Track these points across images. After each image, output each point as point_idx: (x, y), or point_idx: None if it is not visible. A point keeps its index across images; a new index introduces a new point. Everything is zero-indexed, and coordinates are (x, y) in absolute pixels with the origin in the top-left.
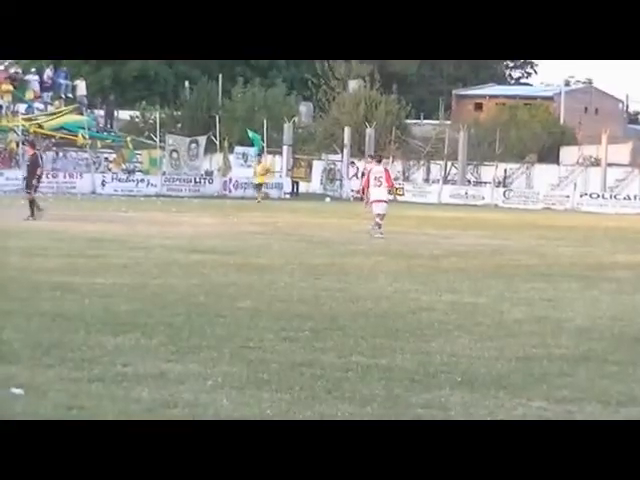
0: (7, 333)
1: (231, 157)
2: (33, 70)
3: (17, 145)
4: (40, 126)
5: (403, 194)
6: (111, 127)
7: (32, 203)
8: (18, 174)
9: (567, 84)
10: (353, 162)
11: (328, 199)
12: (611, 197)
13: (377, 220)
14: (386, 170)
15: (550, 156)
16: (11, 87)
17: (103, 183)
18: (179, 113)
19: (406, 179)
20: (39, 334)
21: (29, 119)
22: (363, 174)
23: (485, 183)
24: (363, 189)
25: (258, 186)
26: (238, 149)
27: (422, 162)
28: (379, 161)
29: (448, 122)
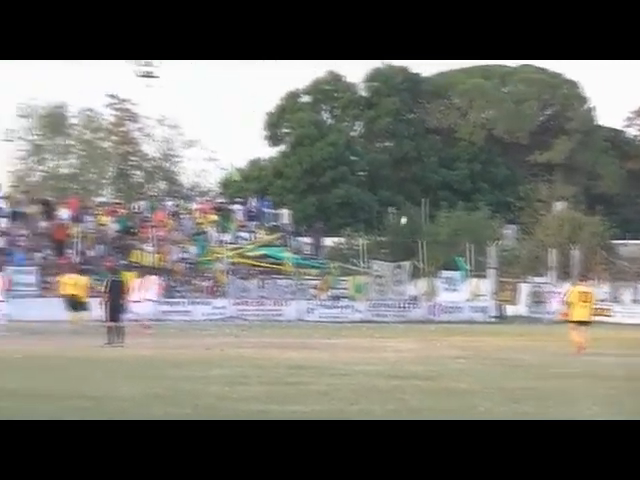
0: None
1: (436, 281)
2: (239, 200)
3: (223, 274)
4: (244, 255)
5: (611, 315)
6: (316, 254)
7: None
8: (225, 303)
9: None
10: None
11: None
12: None
13: None
14: None
15: None
16: (217, 217)
17: (309, 310)
18: (383, 239)
19: (614, 300)
20: None
21: (235, 248)
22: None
23: None
24: None
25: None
26: (443, 273)
27: (630, 282)
28: None
29: None
